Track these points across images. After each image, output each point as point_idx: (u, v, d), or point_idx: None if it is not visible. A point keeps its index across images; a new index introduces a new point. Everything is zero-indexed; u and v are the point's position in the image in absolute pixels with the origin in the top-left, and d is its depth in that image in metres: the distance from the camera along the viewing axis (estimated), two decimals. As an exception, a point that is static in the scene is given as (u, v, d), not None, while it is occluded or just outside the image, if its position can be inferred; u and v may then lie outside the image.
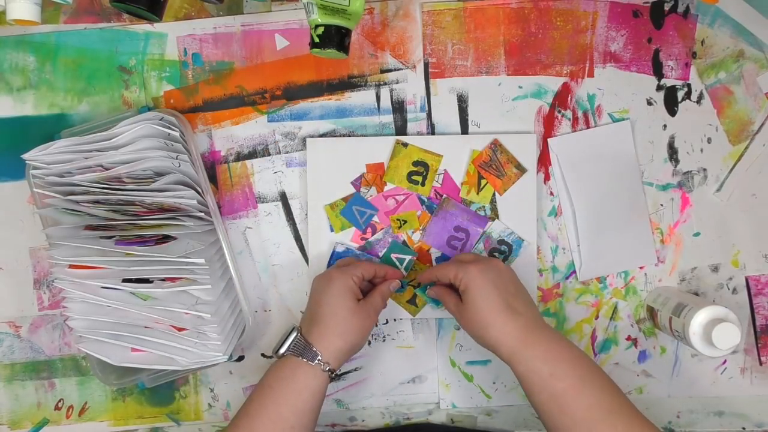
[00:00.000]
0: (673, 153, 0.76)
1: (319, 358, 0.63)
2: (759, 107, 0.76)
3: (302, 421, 0.62)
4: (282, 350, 0.64)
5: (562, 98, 0.75)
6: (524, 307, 0.65)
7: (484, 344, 0.65)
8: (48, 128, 0.74)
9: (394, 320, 0.76)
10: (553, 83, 0.75)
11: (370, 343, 0.76)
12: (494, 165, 0.74)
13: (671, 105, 0.76)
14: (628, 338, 0.77)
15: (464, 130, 0.75)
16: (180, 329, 0.70)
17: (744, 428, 0.78)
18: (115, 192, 0.68)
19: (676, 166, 0.76)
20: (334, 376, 0.65)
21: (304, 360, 0.63)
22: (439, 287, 0.71)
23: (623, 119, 0.75)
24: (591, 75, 0.75)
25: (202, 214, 0.71)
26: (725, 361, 0.77)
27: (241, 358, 0.76)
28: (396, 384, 0.77)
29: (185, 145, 0.70)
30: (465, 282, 0.65)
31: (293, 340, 0.64)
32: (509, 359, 0.63)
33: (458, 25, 0.74)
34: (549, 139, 0.75)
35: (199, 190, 0.70)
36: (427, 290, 0.74)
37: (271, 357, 0.66)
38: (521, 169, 0.74)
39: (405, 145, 0.74)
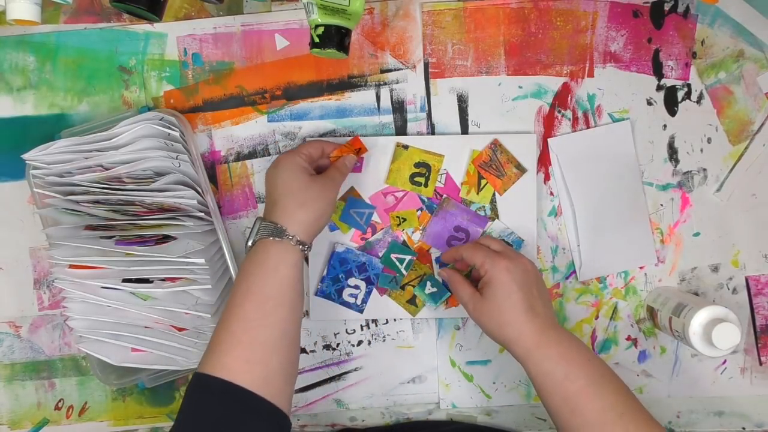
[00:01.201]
0: (673, 153, 0.76)
1: (287, 232, 0.63)
2: (759, 107, 0.76)
3: (286, 296, 0.62)
4: (250, 241, 0.64)
5: (562, 98, 0.75)
6: (542, 308, 0.65)
7: (496, 339, 0.65)
8: (48, 128, 0.74)
9: (394, 320, 0.76)
10: (553, 83, 0.75)
11: (370, 342, 0.76)
12: (494, 165, 0.74)
13: (671, 105, 0.76)
14: (628, 338, 0.77)
15: (464, 130, 0.75)
16: (180, 329, 0.70)
17: (744, 428, 0.78)
18: (115, 192, 0.68)
19: (676, 166, 0.76)
20: (308, 248, 0.64)
21: (274, 239, 0.63)
22: (453, 272, 0.70)
23: (623, 119, 0.75)
24: (591, 75, 0.75)
25: (202, 214, 0.71)
26: (725, 361, 0.77)
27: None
28: (396, 384, 0.77)
29: (185, 145, 0.70)
30: (491, 275, 0.65)
31: (259, 228, 0.64)
32: (523, 359, 0.63)
33: (458, 25, 0.74)
34: (549, 139, 0.75)
35: (199, 190, 0.70)
36: (438, 271, 0.73)
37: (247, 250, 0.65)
38: (521, 169, 0.74)
39: (405, 147, 0.74)
